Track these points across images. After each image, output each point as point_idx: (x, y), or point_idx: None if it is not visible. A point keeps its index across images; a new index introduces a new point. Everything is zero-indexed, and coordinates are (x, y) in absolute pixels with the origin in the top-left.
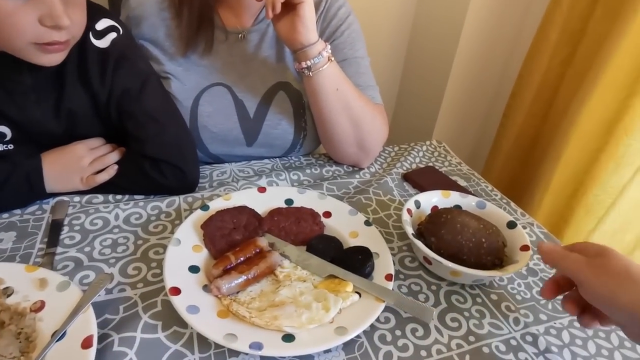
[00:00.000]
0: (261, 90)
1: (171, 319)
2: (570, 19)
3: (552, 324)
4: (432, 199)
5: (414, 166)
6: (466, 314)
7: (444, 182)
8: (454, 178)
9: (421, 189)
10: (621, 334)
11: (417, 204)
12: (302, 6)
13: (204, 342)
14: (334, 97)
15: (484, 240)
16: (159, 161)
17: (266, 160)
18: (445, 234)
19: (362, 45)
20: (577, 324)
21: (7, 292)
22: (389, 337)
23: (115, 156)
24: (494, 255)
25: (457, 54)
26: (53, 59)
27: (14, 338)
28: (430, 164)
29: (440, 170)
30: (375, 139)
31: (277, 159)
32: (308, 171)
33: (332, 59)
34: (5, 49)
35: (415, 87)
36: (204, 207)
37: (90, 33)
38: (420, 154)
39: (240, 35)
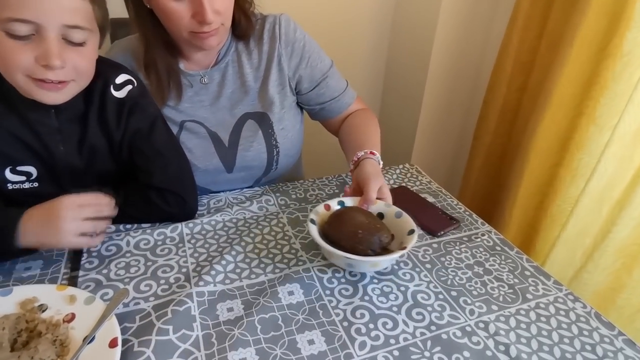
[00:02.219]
0: (231, 122)
1: (180, 324)
2: (521, 52)
3: (502, 312)
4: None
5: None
6: (429, 308)
7: (415, 199)
8: (423, 195)
9: (395, 205)
10: (560, 318)
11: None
12: None
13: (208, 342)
14: None
15: (360, 232)
16: (163, 191)
17: (257, 188)
18: (333, 226)
19: (324, 53)
20: (523, 312)
21: (42, 308)
22: (363, 330)
23: (103, 225)
24: (365, 245)
25: (427, 88)
26: (51, 97)
27: (51, 344)
28: (404, 184)
29: (411, 189)
30: None
31: (267, 186)
32: (294, 196)
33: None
34: (11, 83)
35: (392, 119)
36: None
37: (112, 86)
38: (395, 175)
39: (202, 78)
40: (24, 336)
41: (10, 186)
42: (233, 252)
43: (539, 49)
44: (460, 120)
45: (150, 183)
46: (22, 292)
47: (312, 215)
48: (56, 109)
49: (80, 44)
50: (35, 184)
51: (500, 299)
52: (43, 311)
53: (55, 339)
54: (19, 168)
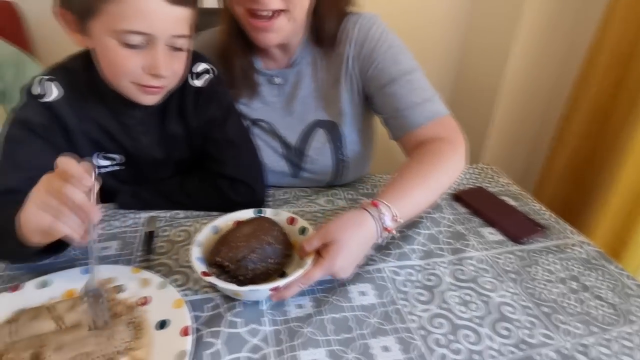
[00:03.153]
0: (300, 127)
1: (249, 317)
2: (620, 44)
3: (603, 335)
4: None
5: (462, 187)
6: (517, 323)
7: (494, 202)
8: (503, 198)
9: (471, 208)
10: None
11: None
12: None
13: (277, 338)
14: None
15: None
16: (234, 180)
17: None
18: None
19: (408, 57)
20: (626, 335)
21: (119, 289)
22: (442, 341)
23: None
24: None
25: (504, 79)
26: (150, 99)
27: (126, 326)
28: (480, 185)
29: (489, 190)
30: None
31: None
32: (362, 190)
33: (395, 219)
34: (114, 85)
35: (462, 112)
36: None
37: (190, 75)
38: (468, 175)
39: (275, 78)
40: None
41: (98, 170)
42: None
43: None
44: (538, 119)
45: (221, 172)
46: (101, 271)
47: (198, 265)
48: None
49: (181, 50)
50: (119, 167)
51: (600, 319)
52: (119, 292)
53: (131, 321)
54: (107, 155)
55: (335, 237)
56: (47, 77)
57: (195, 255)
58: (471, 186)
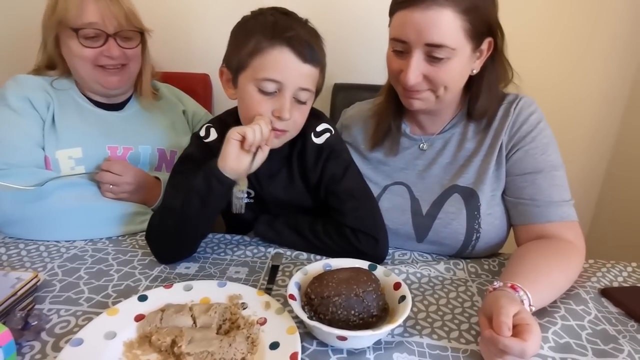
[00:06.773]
0: (437, 191)
1: None
2: None
3: None
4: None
5: (614, 284)
6: None
7: None
8: None
9: (626, 308)
10: None
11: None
12: None
13: None
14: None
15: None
16: (356, 230)
17: None
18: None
19: (556, 151)
20: None
21: (244, 306)
22: None
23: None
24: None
25: None
26: (274, 142)
27: (245, 339)
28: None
29: None
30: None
31: None
32: (486, 267)
33: (530, 308)
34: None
35: (615, 206)
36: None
37: (312, 133)
38: (625, 274)
39: (422, 144)
40: (227, 325)
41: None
42: (415, 309)
43: None
44: None
45: (344, 222)
46: (232, 288)
47: (301, 313)
48: (270, 150)
49: (304, 103)
50: (252, 201)
51: None
52: (244, 309)
53: (249, 336)
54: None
55: (519, 307)
56: (209, 124)
57: (295, 280)
58: (625, 285)
